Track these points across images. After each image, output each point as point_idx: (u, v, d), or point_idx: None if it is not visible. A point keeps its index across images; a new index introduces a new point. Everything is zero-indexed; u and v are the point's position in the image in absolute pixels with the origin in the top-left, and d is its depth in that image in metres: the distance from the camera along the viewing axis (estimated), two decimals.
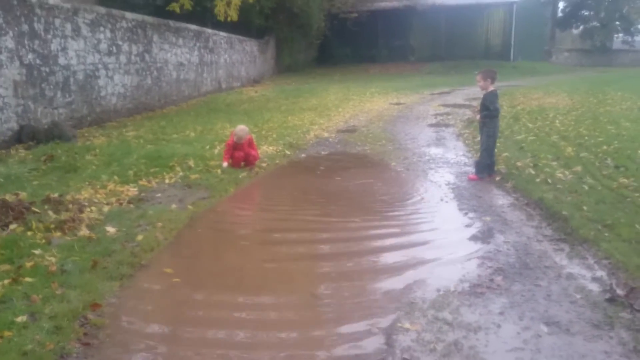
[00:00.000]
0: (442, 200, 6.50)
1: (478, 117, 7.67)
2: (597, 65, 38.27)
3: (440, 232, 5.44)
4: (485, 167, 7.40)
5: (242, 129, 7.98)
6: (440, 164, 8.47)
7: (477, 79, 7.40)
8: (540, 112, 13.42)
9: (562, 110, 13.54)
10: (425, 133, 11.62)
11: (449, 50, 34.46)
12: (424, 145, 10.17)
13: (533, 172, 7.28)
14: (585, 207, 5.62)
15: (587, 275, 4.23)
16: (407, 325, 3.49)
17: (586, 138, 9.60)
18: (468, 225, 5.56)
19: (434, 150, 9.64)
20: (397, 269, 4.48)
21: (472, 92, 19.96)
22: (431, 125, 12.78)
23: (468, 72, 29.97)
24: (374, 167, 7.72)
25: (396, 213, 6.17)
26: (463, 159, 8.85)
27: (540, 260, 4.55)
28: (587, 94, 17.88)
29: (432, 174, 7.82)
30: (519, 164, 7.76)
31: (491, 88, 7.32)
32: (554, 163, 7.77)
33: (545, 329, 3.42)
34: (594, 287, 4.00)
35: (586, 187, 6.43)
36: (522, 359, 3.10)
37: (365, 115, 14.42)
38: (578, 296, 3.86)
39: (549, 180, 6.80)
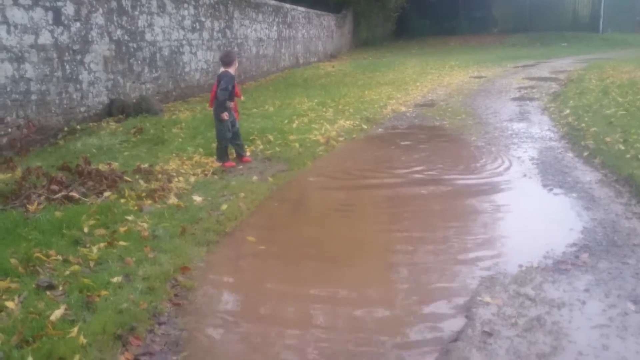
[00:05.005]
0: (525, 175, 6.33)
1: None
2: None
3: (523, 208, 5.31)
4: (223, 151, 6.89)
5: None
6: (523, 139, 8.20)
7: None
8: (631, 85, 12.63)
9: None
10: (507, 107, 11.25)
11: (533, 21, 32.98)
12: (506, 120, 9.86)
13: (623, 148, 6.91)
14: None
15: None
16: (487, 299, 3.47)
17: None
18: (553, 202, 5.41)
19: (517, 125, 9.33)
20: (477, 243, 4.44)
21: (558, 65, 19.12)
22: (514, 99, 12.36)
23: (554, 44, 28.70)
24: (453, 142, 7.59)
25: (476, 188, 6.07)
26: (548, 134, 8.53)
27: (629, 238, 4.37)
28: None
29: (515, 149, 7.59)
30: (607, 139, 7.40)
31: (221, 70, 6.76)
32: None
33: (632, 307, 3.31)
34: None
35: None
36: (607, 336, 3.02)
37: (444, 89, 14.13)
38: None
39: None
